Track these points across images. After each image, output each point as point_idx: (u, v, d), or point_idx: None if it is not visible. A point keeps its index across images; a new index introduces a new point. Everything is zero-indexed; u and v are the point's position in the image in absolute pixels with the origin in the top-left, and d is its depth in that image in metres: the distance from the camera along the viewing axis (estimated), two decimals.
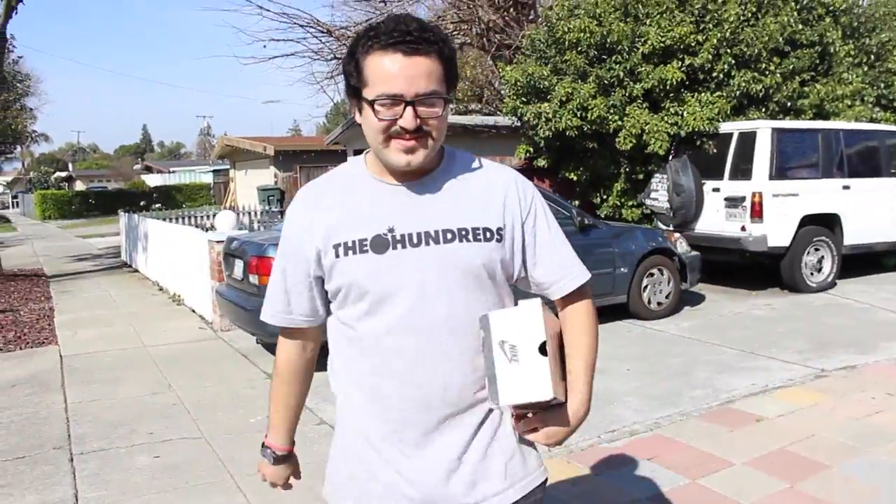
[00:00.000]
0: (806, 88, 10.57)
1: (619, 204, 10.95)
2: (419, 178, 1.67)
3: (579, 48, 10.16)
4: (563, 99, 10.08)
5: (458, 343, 1.62)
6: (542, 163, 11.31)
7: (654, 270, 8.15)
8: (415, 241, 1.61)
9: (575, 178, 11.15)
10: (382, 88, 1.53)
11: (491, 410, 1.67)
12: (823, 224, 9.48)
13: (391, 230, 1.61)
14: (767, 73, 10.11)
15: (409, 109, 1.54)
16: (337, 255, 1.63)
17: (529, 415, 1.68)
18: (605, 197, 11.12)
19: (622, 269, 7.88)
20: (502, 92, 12.84)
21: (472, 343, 1.63)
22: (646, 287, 8.09)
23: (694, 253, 8.57)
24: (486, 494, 1.65)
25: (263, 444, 1.91)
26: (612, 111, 10.04)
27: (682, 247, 8.46)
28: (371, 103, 1.55)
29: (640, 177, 10.68)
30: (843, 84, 10.77)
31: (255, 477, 2.07)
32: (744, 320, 8.01)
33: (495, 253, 1.65)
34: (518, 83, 10.51)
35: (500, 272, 1.68)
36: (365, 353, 1.66)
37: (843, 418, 4.92)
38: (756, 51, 9.90)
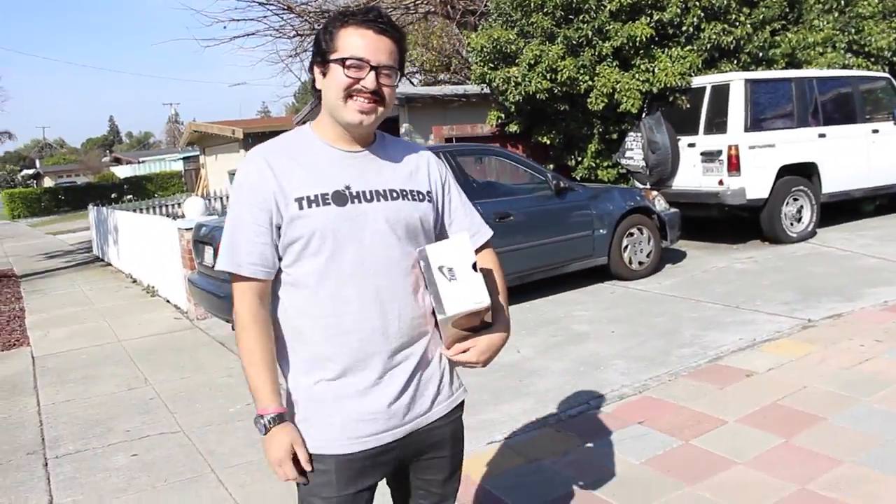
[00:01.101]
0: (777, 38, 10.44)
1: (594, 165, 10.81)
2: (363, 147, 1.95)
3: (545, 9, 9.93)
4: (532, 62, 9.88)
5: (408, 283, 1.91)
6: (514, 128, 11.13)
7: (634, 230, 8.04)
8: (368, 197, 1.88)
9: (548, 142, 10.99)
10: (353, 52, 1.82)
11: (429, 344, 1.97)
12: (801, 174, 9.39)
13: (348, 187, 1.87)
14: (737, 24, 9.96)
15: (373, 74, 1.83)
16: (300, 207, 1.82)
17: (463, 339, 1.97)
18: (579, 159, 10.98)
19: (601, 231, 7.76)
20: (469, 59, 12.58)
21: (417, 283, 1.93)
22: (626, 247, 7.98)
23: (673, 210, 8.46)
24: (419, 412, 1.95)
25: (255, 417, 1.89)
26: (581, 71, 9.86)
27: (660, 204, 8.34)
28: (342, 62, 1.82)
29: (614, 137, 10.54)
30: (814, 31, 10.65)
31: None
32: (726, 275, 7.93)
33: (427, 210, 1.99)
34: (484, 49, 10.29)
35: (431, 226, 2.01)
36: (324, 299, 1.85)
37: (833, 368, 4.84)
38: (725, 2, 9.73)
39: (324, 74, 1.88)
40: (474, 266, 1.87)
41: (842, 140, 9.71)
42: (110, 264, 14.08)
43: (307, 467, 1.86)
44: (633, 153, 10.12)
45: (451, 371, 2.05)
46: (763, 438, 3.92)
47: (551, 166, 10.21)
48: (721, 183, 9.05)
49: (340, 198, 1.85)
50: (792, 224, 9.39)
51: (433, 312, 1.94)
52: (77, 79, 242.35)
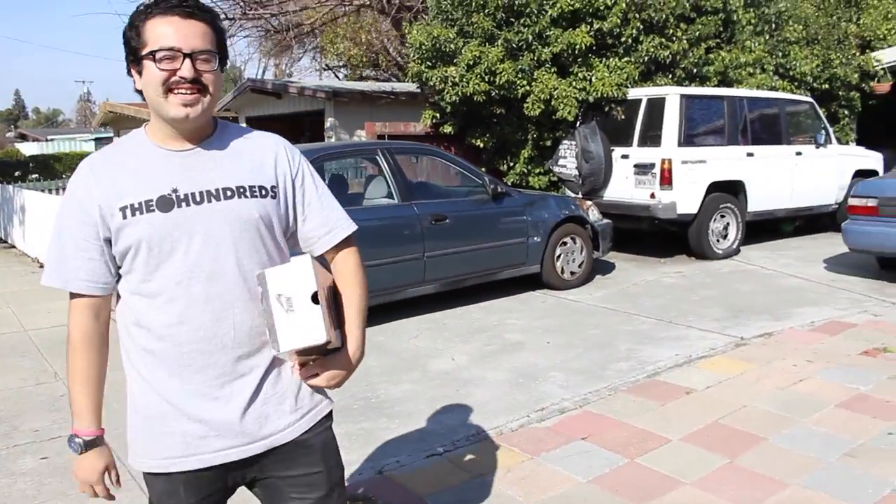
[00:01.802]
0: (711, 55, 10.61)
1: (525, 171, 10.77)
2: (197, 144, 1.83)
3: (487, 10, 9.84)
4: (471, 63, 9.77)
5: (247, 289, 1.80)
6: (448, 129, 11.00)
7: (567, 239, 7.99)
8: (198, 199, 1.77)
9: (481, 145, 10.90)
10: (162, 42, 1.70)
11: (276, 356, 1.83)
12: (729, 191, 9.55)
13: (175, 191, 1.76)
14: (674, 38, 10.07)
15: (188, 61, 1.71)
16: (124, 217, 1.73)
17: (311, 362, 1.88)
18: (511, 164, 10.92)
19: (535, 239, 7.67)
20: (406, 55, 12.39)
21: (257, 289, 1.80)
22: (559, 256, 7.92)
23: (605, 221, 8.46)
24: (279, 427, 1.85)
25: (69, 437, 1.85)
26: (520, 76, 9.79)
27: (594, 215, 8.32)
28: (152, 55, 1.70)
29: (548, 143, 10.51)
30: (746, 52, 10.87)
31: None
32: (656, 289, 7.96)
33: (271, 207, 1.85)
34: (423, 46, 10.11)
35: (277, 225, 1.88)
36: (157, 309, 1.77)
37: (769, 388, 4.85)
38: (664, 16, 9.82)
39: (140, 74, 1.76)
40: (314, 297, 1.74)
41: (768, 160, 9.92)
42: (14, 246, 13.31)
43: (114, 492, 1.90)
44: (567, 161, 10.10)
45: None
46: (708, 458, 3.87)
47: (483, 170, 10.10)
48: (653, 196, 9.11)
49: (166, 203, 1.75)
50: (718, 241, 9.53)
51: None
52: None
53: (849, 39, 12.94)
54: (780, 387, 4.86)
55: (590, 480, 3.68)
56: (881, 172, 11.45)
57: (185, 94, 1.73)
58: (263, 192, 1.86)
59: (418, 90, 11.89)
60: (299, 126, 15.93)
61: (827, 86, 12.09)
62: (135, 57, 1.76)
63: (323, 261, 1.96)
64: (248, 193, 1.83)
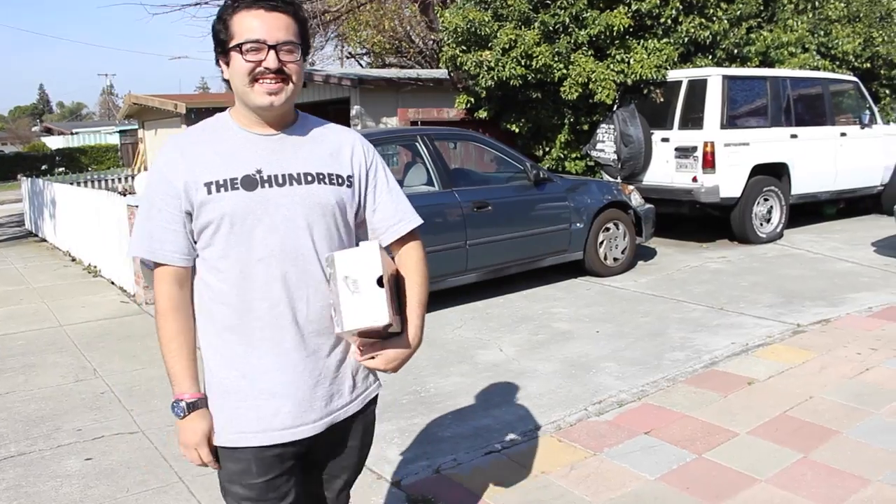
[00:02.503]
0: (752, 35, 10.30)
1: (562, 156, 10.55)
2: (280, 130, 1.92)
3: None
4: (506, 46, 9.54)
5: (320, 270, 1.87)
6: (483, 114, 10.79)
7: (610, 225, 7.79)
8: (280, 181, 1.85)
9: (516, 130, 10.67)
10: (249, 35, 1.79)
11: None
12: (772, 174, 9.28)
13: (259, 171, 1.84)
14: (715, 18, 9.77)
15: (272, 52, 1.80)
16: (209, 192, 1.81)
17: (372, 344, 1.93)
18: (547, 149, 10.70)
19: (578, 225, 7.48)
20: (435, 41, 12.20)
21: (327, 270, 1.86)
22: (602, 242, 7.73)
23: (648, 206, 8.25)
24: (339, 404, 1.95)
25: (173, 402, 1.87)
26: (556, 59, 9.55)
27: (636, 199, 8.11)
28: (239, 48, 1.80)
29: (585, 128, 10.27)
30: (788, 31, 10.55)
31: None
32: (702, 274, 7.75)
33: (346, 195, 1.94)
34: (458, 30, 9.89)
35: (350, 212, 1.97)
36: (235, 285, 1.83)
37: (835, 377, 4.65)
38: None
39: (227, 65, 1.86)
40: (380, 280, 1.79)
41: (812, 142, 9.64)
42: (45, 240, 13.30)
43: (213, 459, 1.90)
44: (605, 145, 9.88)
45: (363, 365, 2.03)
46: (780, 453, 3.69)
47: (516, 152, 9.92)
48: (695, 180, 8.87)
49: (250, 182, 1.83)
50: (762, 224, 9.28)
51: None
52: (2, 40, 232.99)
53: (891, 16, 12.55)
54: (846, 376, 4.66)
55: (658, 478, 3.51)
56: None
57: (270, 83, 1.82)
58: (340, 181, 1.94)
59: (444, 76, 11.70)
60: (324, 114, 15.72)
61: (868, 65, 11.74)
62: (223, 49, 1.85)
63: (388, 252, 2.03)
64: (326, 180, 1.91)
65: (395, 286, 1.94)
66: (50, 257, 11.42)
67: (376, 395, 2.11)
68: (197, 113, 23.16)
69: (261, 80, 1.81)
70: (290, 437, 1.87)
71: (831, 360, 4.97)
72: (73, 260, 10.82)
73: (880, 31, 11.78)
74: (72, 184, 14.15)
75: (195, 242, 1.87)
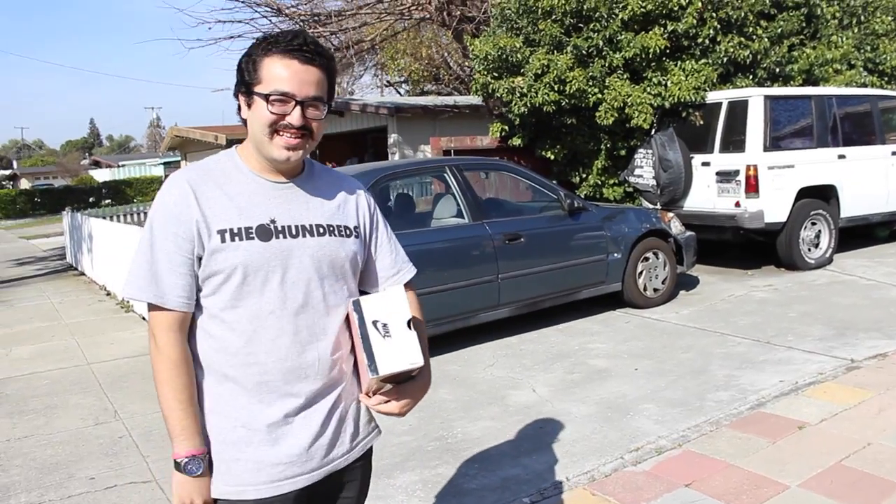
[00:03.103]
0: (794, 53, 9.95)
1: (599, 183, 10.27)
2: (291, 179, 1.88)
3: (554, 16, 9.38)
4: (539, 72, 9.33)
5: (331, 322, 1.86)
6: (517, 141, 10.57)
7: (649, 254, 7.49)
8: (293, 232, 1.81)
9: (552, 157, 10.43)
10: (278, 86, 1.73)
11: (348, 383, 1.92)
12: (819, 196, 8.91)
13: (273, 221, 1.79)
14: (754, 37, 9.46)
15: (299, 109, 1.75)
16: (223, 240, 1.74)
17: (385, 388, 1.89)
18: (584, 176, 10.43)
19: (615, 255, 7.20)
20: (471, 67, 12.04)
21: (340, 323, 1.88)
22: (641, 273, 7.43)
23: (689, 233, 7.93)
24: (339, 453, 1.90)
25: (178, 461, 1.76)
26: (591, 83, 9.31)
27: (676, 227, 7.80)
28: (266, 97, 1.73)
29: (622, 153, 9.99)
30: (833, 48, 10.18)
31: None
32: (747, 304, 7.39)
33: (355, 247, 1.93)
34: (489, 57, 9.71)
35: (359, 263, 1.96)
36: (244, 336, 1.77)
37: (895, 421, 4.29)
38: (742, 14, 9.22)
39: (249, 105, 1.80)
40: (409, 323, 1.81)
41: (861, 162, 9.24)
42: (84, 274, 13.36)
43: None
44: (643, 171, 9.59)
45: (366, 409, 1.99)
46: None
47: (554, 183, 9.68)
48: (738, 205, 8.53)
49: (265, 232, 1.78)
50: (809, 250, 8.89)
51: (352, 349, 1.91)
52: (57, 79, 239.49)
53: None
54: None
55: None
56: None
57: (290, 138, 1.78)
58: (348, 232, 1.93)
59: (481, 103, 11.53)
60: (362, 143, 15.75)
61: None
62: (247, 89, 1.79)
63: None
64: (336, 232, 1.90)
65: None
66: (86, 291, 11.43)
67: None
68: (238, 143, 23.44)
69: (281, 133, 1.77)
70: (288, 487, 1.81)
71: (890, 400, 4.61)
72: (108, 294, 10.81)
73: None
74: (110, 217, 14.24)
75: (198, 290, 1.79)
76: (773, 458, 3.94)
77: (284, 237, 1.80)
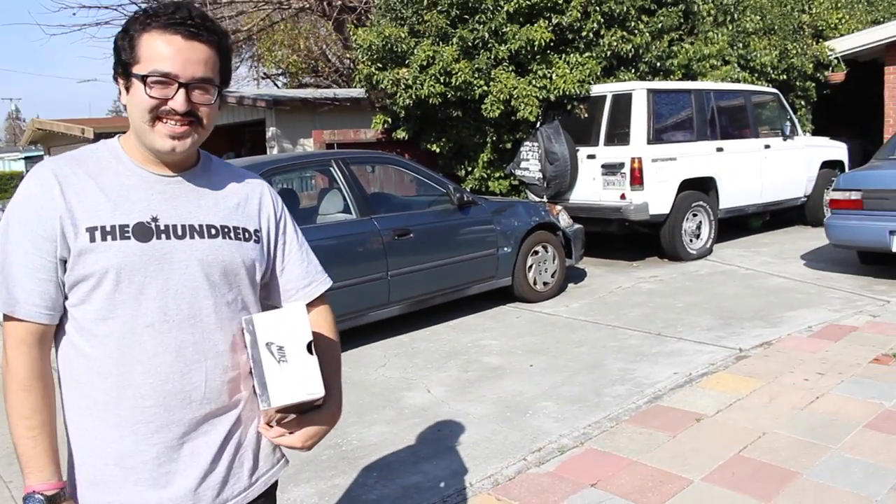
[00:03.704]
0: (674, 48, 10.16)
1: (485, 176, 10.19)
2: (180, 172, 1.63)
3: (439, 7, 9.22)
4: (424, 63, 9.14)
5: (222, 339, 1.60)
6: (401, 134, 10.35)
7: (539, 248, 7.43)
8: (179, 233, 1.56)
9: (437, 150, 10.27)
10: (156, 65, 1.49)
11: (244, 409, 1.65)
12: (700, 188, 9.12)
13: (155, 219, 1.55)
14: (636, 31, 9.58)
15: (182, 92, 1.51)
16: (92, 239, 1.49)
17: (288, 418, 1.67)
18: (469, 169, 10.32)
19: (506, 249, 7.10)
20: (352, 59, 11.76)
21: (234, 340, 1.61)
22: (531, 267, 7.36)
23: (577, 226, 7.92)
24: (235, 492, 1.65)
25: (25, 495, 1.49)
26: (477, 75, 9.20)
27: (564, 220, 7.79)
28: (143, 79, 1.49)
29: (508, 146, 9.94)
30: (710, 44, 10.46)
31: None
32: (635, 296, 7.45)
33: (254, 252, 1.67)
34: (373, 47, 9.44)
35: (257, 272, 1.70)
36: (117, 353, 1.51)
37: (786, 409, 4.35)
38: (625, 9, 9.32)
39: (127, 89, 1.54)
40: (310, 347, 1.57)
41: (738, 155, 9.53)
42: None
43: None
44: (529, 164, 9.57)
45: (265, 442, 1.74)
46: (740, 502, 3.33)
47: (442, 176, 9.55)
48: (623, 197, 8.62)
49: (144, 232, 1.53)
50: (691, 241, 9.09)
51: (251, 371, 1.61)
52: None
53: (803, 29, 12.72)
54: (797, 407, 4.37)
55: None
56: (846, 163, 11.21)
57: (175, 125, 1.53)
58: (247, 236, 1.68)
59: (362, 96, 11.27)
60: (240, 137, 15.20)
61: (784, 76, 11.82)
62: (124, 70, 1.53)
63: None
64: (231, 235, 1.65)
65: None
66: None
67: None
68: (106, 138, 22.20)
69: (164, 120, 1.52)
70: None
71: (779, 388, 4.68)
72: None
73: (794, 44, 11.88)
74: None
75: (65, 297, 1.53)
76: (674, 452, 3.90)
77: (168, 238, 1.55)
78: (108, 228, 1.50)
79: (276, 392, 1.56)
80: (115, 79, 1.58)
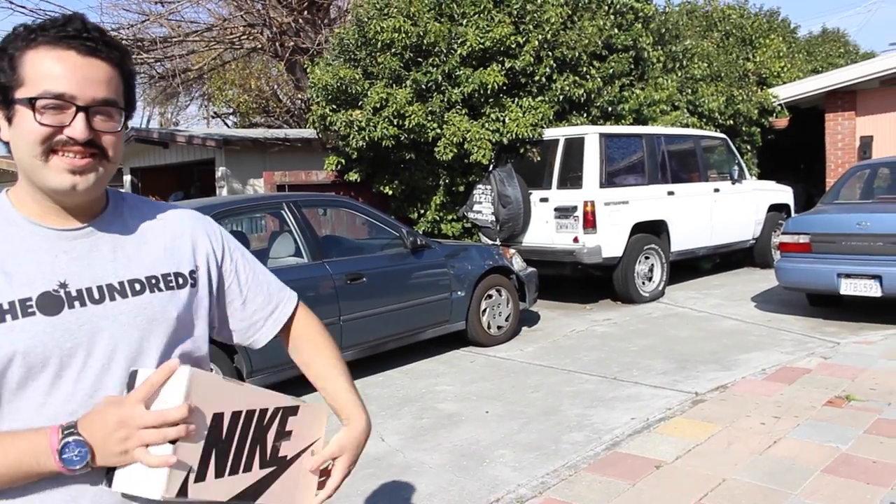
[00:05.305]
0: (625, 93, 10.32)
1: (437, 218, 10.15)
2: (87, 222, 1.36)
3: (393, 49, 9.22)
4: (378, 105, 9.11)
5: None
6: (353, 176, 10.28)
7: (493, 291, 7.36)
8: (96, 296, 1.30)
9: (390, 192, 10.22)
10: (47, 86, 1.22)
11: None
12: (652, 231, 9.18)
13: (63, 285, 1.28)
14: (588, 77, 9.70)
15: (81, 116, 1.24)
16: None
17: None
18: (422, 211, 10.28)
19: (459, 293, 7.01)
20: (303, 100, 11.71)
21: None
22: (485, 311, 7.28)
23: (530, 269, 7.89)
24: None
25: (63, 445, 1.18)
26: (430, 118, 9.19)
27: (518, 263, 7.75)
28: (31, 103, 1.22)
29: (461, 188, 9.93)
30: (660, 90, 10.65)
31: None
32: (589, 339, 7.41)
33: (191, 299, 1.44)
34: (328, 87, 9.38)
35: (201, 319, 1.47)
36: None
37: (745, 454, 4.30)
38: (577, 54, 9.44)
39: (9, 120, 1.27)
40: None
41: (688, 198, 9.65)
42: None
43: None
44: (482, 207, 9.56)
45: None
46: None
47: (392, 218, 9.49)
48: (576, 240, 8.63)
49: (52, 303, 1.26)
50: (644, 283, 9.13)
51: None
52: None
53: (748, 76, 13.08)
54: (755, 451, 4.33)
55: None
56: (792, 206, 11.44)
57: (74, 157, 1.26)
58: (181, 281, 1.43)
59: (314, 136, 11.20)
60: (189, 176, 15.01)
61: (731, 122, 12.13)
62: (3, 98, 1.26)
63: (281, 341, 1.66)
64: (161, 285, 1.39)
65: (246, 431, 1.34)
66: None
67: None
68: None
69: (61, 153, 1.25)
70: None
71: (737, 433, 4.64)
72: None
73: (740, 90, 12.19)
74: None
75: None
76: (634, 501, 3.81)
77: (83, 304, 1.29)
78: (4, 307, 1.24)
79: (121, 475, 1.21)
80: None
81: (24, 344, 1.23)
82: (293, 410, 1.45)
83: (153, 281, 1.38)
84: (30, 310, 1.25)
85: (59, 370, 1.26)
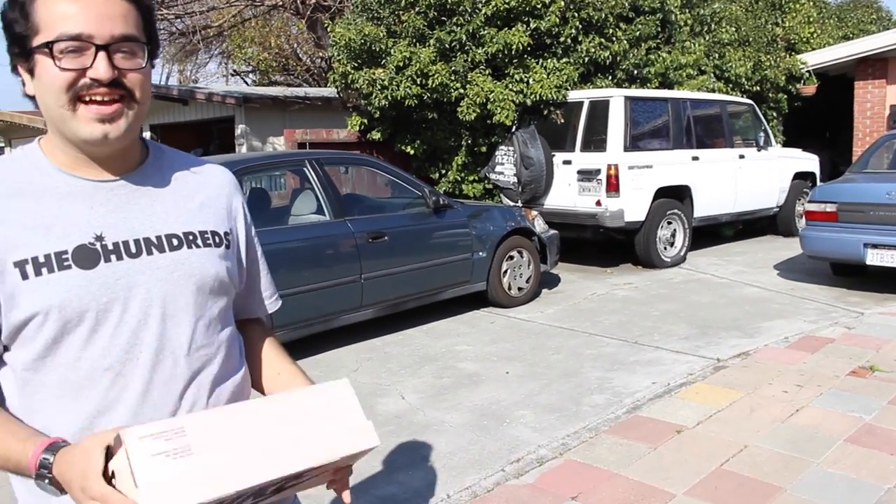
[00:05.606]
0: (651, 56, 10.15)
1: (459, 179, 10.10)
2: (122, 174, 1.31)
3: (417, 8, 9.11)
4: (401, 64, 9.03)
5: (210, 373, 1.33)
6: (376, 135, 10.23)
7: (514, 253, 7.33)
8: (133, 250, 1.27)
9: (412, 152, 10.16)
10: (62, 28, 1.16)
11: None
12: (675, 196, 9.09)
13: (100, 238, 1.24)
14: (614, 39, 9.55)
15: (102, 55, 1.18)
16: (24, 276, 1.19)
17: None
18: (444, 172, 10.23)
19: (480, 254, 6.99)
20: (324, 59, 11.62)
21: (218, 371, 1.35)
22: (506, 272, 7.26)
23: (552, 232, 7.85)
24: None
25: (37, 473, 1.14)
26: (453, 78, 9.10)
27: (540, 225, 7.70)
28: (48, 49, 1.16)
29: (483, 149, 9.86)
30: (686, 53, 10.47)
31: None
32: (610, 303, 7.38)
33: (227, 260, 1.39)
34: (351, 44, 9.29)
35: (234, 284, 1.43)
36: (67, 401, 1.23)
37: (767, 421, 4.28)
38: (603, 15, 9.28)
39: (31, 73, 1.22)
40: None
41: (713, 164, 9.53)
42: None
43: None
44: (504, 168, 9.48)
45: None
46: None
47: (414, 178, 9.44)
48: (599, 204, 8.56)
49: (88, 256, 1.23)
50: (665, 248, 9.06)
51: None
52: None
53: (776, 42, 12.83)
54: (778, 419, 4.30)
55: None
56: (818, 174, 11.29)
57: (102, 104, 1.20)
58: (217, 240, 1.39)
59: (333, 95, 11.13)
60: (208, 134, 15.00)
61: (758, 88, 11.92)
62: (21, 49, 1.21)
63: (240, 331, 1.51)
64: (199, 241, 1.35)
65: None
66: None
67: None
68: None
69: (87, 100, 1.20)
70: None
71: (759, 400, 4.61)
72: None
73: (767, 56, 11.97)
74: None
75: (4, 348, 1.25)
76: (655, 465, 3.81)
77: (119, 258, 1.26)
78: (41, 260, 1.21)
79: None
80: (13, 69, 1.26)
81: (59, 298, 1.20)
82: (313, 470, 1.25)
83: (190, 237, 1.35)
84: (65, 263, 1.22)
85: (94, 325, 1.23)
